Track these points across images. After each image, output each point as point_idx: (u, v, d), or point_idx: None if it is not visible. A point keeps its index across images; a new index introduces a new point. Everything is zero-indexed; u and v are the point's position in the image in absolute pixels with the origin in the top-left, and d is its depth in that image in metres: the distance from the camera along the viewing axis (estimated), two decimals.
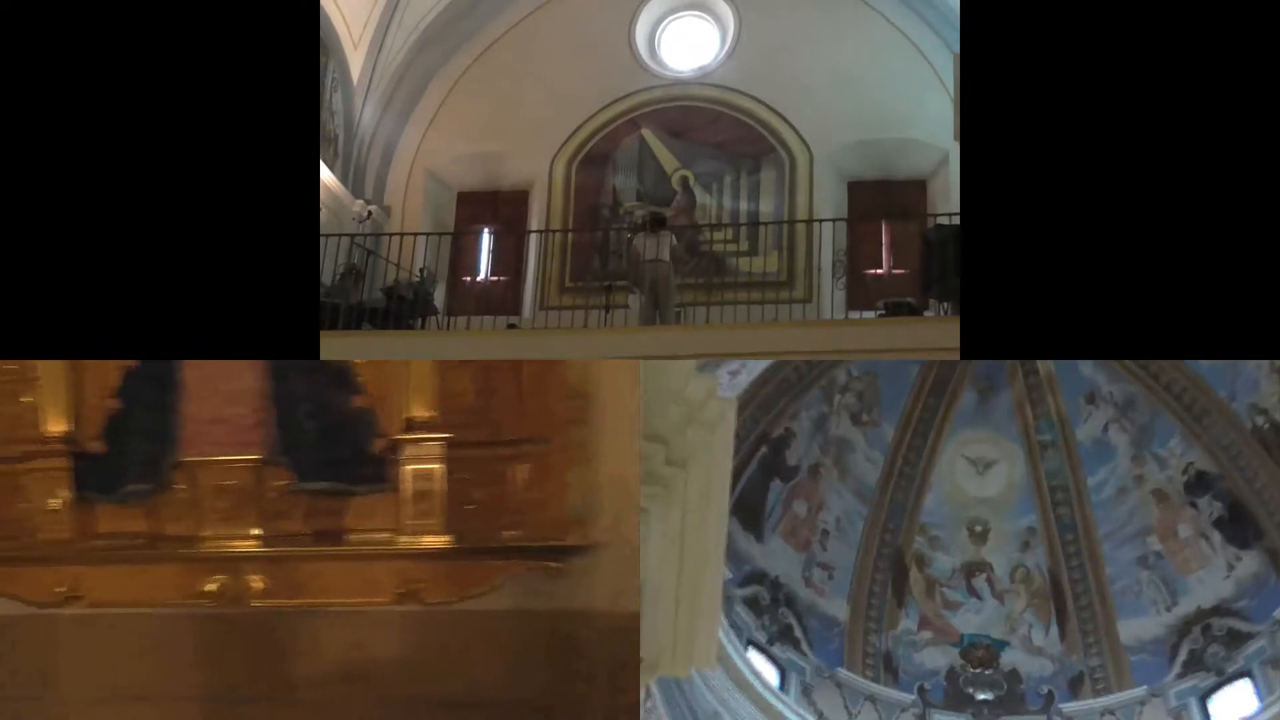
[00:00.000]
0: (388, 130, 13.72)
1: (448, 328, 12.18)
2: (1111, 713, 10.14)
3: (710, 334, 9.88)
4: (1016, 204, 4.29)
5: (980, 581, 10.61)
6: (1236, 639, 9.72)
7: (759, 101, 13.12)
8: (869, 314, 10.94)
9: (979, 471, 10.54)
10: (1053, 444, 10.27)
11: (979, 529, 10.60)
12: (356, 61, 13.07)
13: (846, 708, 10.21)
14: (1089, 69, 4.25)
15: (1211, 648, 9.78)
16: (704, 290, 11.17)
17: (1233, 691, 9.75)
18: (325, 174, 12.41)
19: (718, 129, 13.19)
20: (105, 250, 4.28)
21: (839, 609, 10.44)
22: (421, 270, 11.90)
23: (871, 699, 10.29)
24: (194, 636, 5.80)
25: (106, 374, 5.84)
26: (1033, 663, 10.51)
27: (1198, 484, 9.77)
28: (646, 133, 13.36)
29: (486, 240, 13.87)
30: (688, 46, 13.89)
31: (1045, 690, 10.41)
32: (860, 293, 12.13)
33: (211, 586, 5.74)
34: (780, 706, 9.86)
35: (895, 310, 10.41)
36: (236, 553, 5.77)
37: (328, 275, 11.02)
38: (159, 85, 4.31)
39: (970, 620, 10.59)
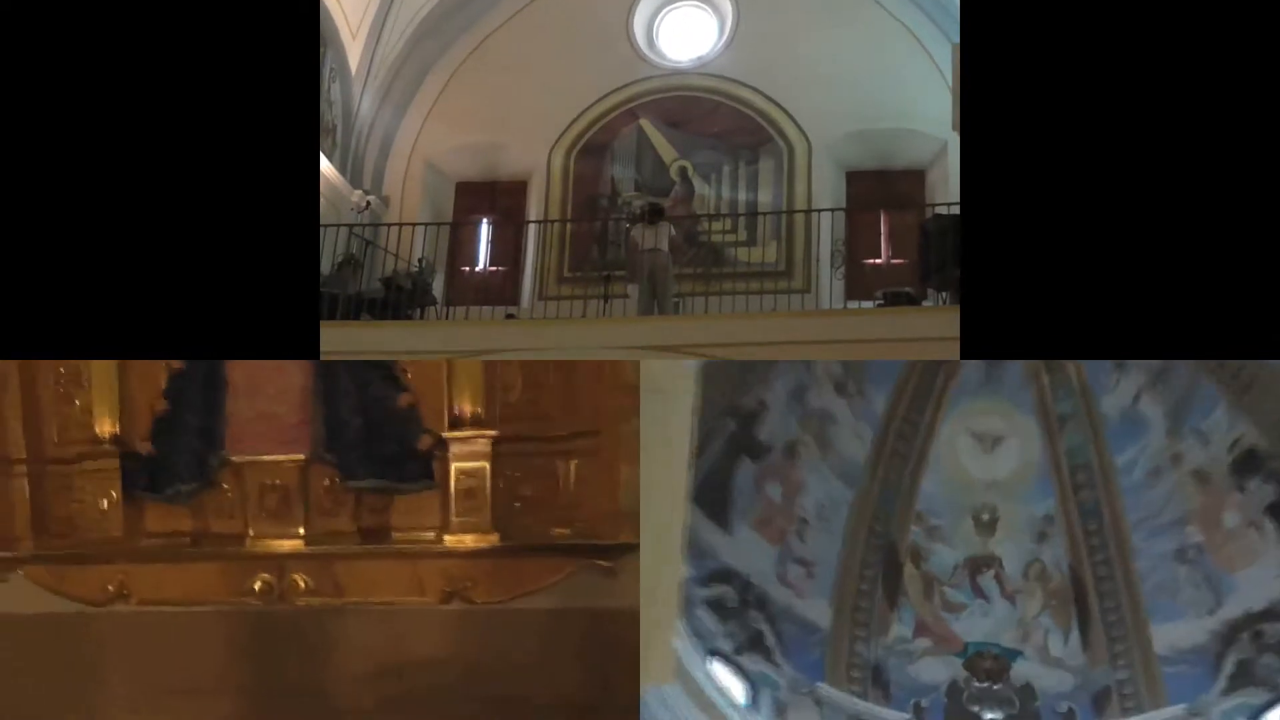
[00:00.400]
0: (386, 120, 13.72)
1: (446, 318, 12.21)
2: None
3: (708, 324, 9.87)
4: (1016, 196, 4.26)
5: (987, 579, 8.93)
6: None
7: (757, 92, 13.13)
8: (867, 304, 11.03)
9: (986, 449, 8.86)
10: (1073, 416, 8.55)
11: (986, 517, 8.89)
12: (355, 52, 13.06)
13: None
14: (1089, 60, 4.23)
15: (1263, 658, 8.12)
16: (702, 280, 11.23)
17: None
18: (323, 164, 12.40)
19: (716, 119, 13.20)
20: (100, 245, 4.24)
21: (820, 612, 8.75)
22: (420, 260, 11.88)
23: (858, 719, 8.73)
24: (240, 634, 5.84)
25: (154, 375, 5.88)
26: (1050, 676, 8.85)
27: (1246, 464, 8.07)
28: (645, 123, 13.37)
29: (485, 230, 13.87)
30: (686, 37, 13.87)
31: (1065, 708, 8.77)
32: (859, 282, 12.16)
33: (257, 585, 5.79)
34: None
35: (894, 300, 10.46)
36: (282, 551, 5.82)
37: (325, 265, 11.02)
38: (157, 77, 4.28)
39: (976, 625, 8.93)
